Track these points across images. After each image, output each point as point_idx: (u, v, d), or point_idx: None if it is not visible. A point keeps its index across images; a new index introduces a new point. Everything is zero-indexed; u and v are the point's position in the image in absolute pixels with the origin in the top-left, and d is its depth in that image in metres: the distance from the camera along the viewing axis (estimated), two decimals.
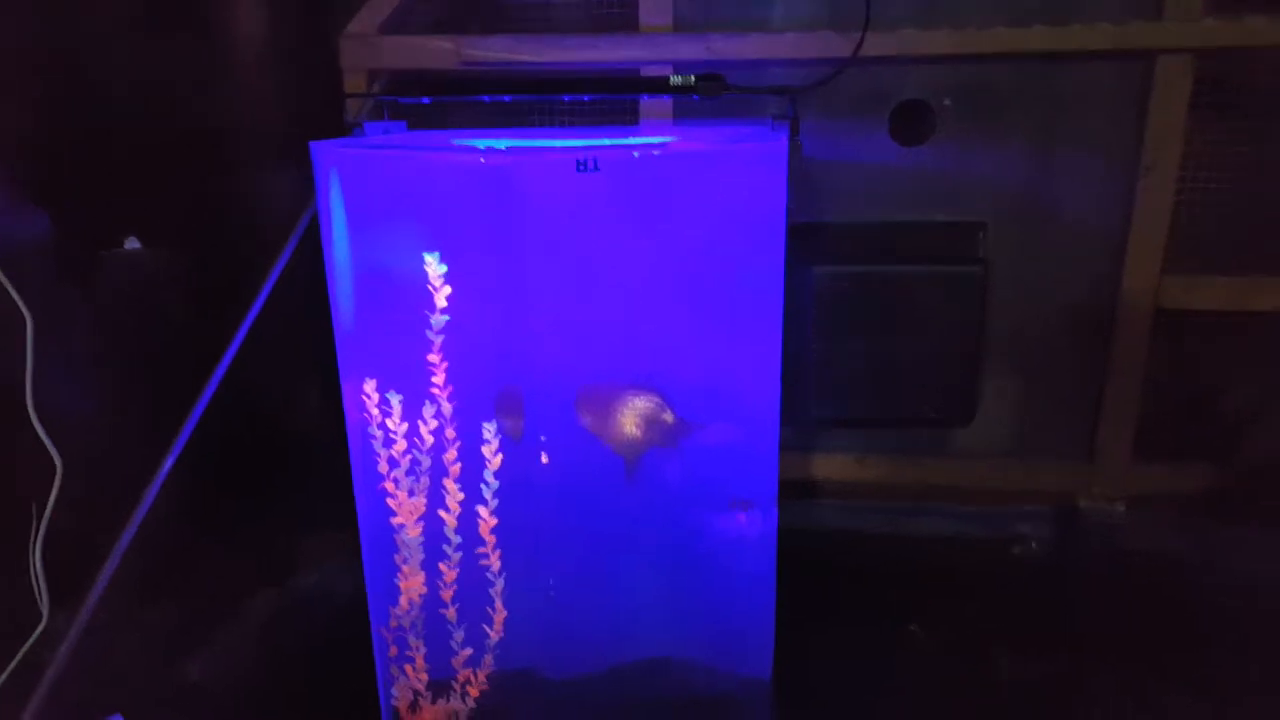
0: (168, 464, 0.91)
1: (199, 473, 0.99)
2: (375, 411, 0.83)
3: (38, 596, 0.91)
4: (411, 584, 0.85)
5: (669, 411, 0.84)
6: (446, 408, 0.79)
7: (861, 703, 0.98)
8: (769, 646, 0.93)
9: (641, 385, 0.84)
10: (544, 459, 0.80)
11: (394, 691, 0.89)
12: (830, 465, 1.26)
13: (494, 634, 0.83)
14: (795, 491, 1.28)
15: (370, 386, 0.83)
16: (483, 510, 0.80)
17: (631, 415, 0.83)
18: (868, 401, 1.12)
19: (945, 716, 0.96)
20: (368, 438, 0.84)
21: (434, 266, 0.77)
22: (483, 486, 0.80)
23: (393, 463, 0.83)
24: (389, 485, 0.84)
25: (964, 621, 1.10)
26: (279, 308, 1.05)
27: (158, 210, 1.07)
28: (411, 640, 0.87)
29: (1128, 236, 1.12)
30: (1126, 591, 1.13)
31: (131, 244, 1.16)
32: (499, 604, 0.82)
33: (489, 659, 0.84)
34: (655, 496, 0.86)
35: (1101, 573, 1.18)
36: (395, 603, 0.87)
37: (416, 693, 0.88)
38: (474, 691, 0.85)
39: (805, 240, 1.09)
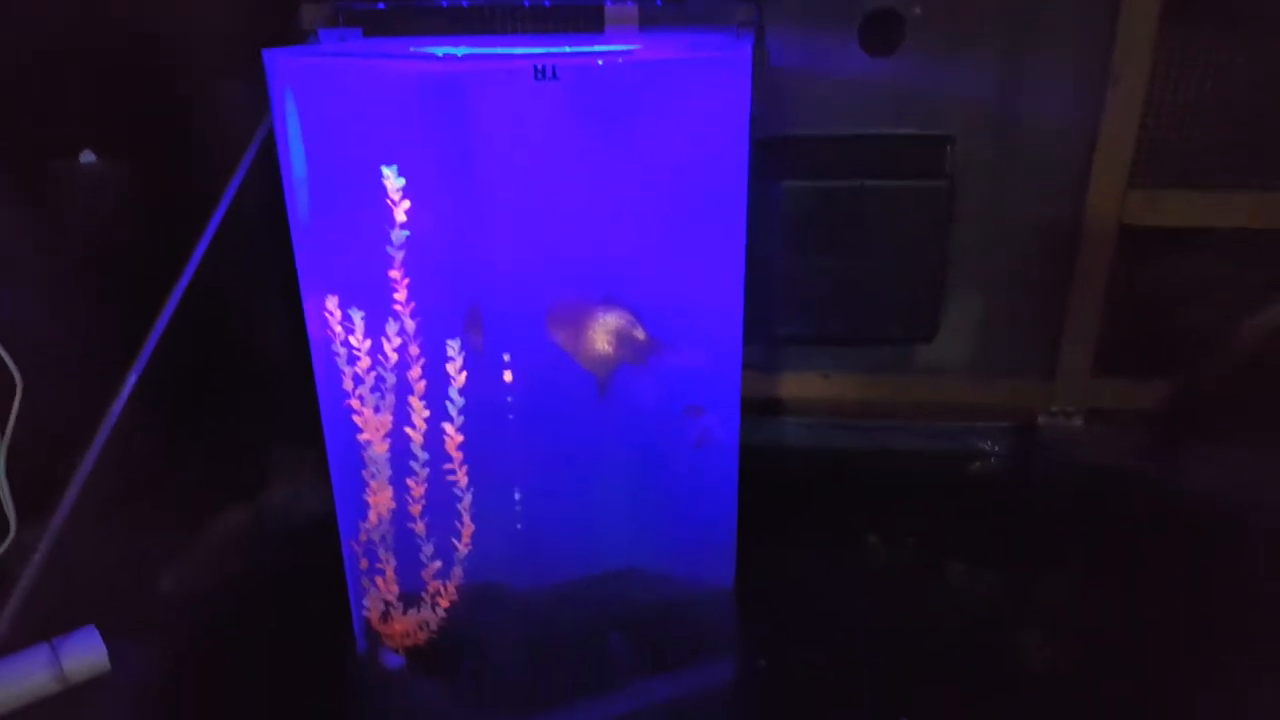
0: (132, 377, 0.90)
1: (167, 387, 0.99)
2: (338, 329, 0.82)
3: (6, 510, 0.91)
4: (380, 499, 0.86)
5: (640, 329, 0.84)
6: (409, 324, 0.79)
7: (820, 610, 1.02)
8: (731, 556, 0.95)
9: (612, 301, 0.84)
10: (507, 377, 0.80)
11: (365, 603, 0.91)
12: (796, 383, 1.28)
13: (462, 547, 0.85)
14: (761, 409, 1.29)
15: (332, 303, 0.82)
16: (448, 427, 0.81)
17: (603, 332, 0.83)
18: (833, 319, 1.13)
19: (898, 622, 1.00)
20: (331, 355, 0.83)
21: (392, 180, 0.75)
22: (448, 404, 0.80)
23: (357, 380, 0.83)
24: (354, 402, 0.84)
25: (922, 534, 1.13)
26: (242, 219, 1.03)
27: (110, 123, 1.04)
28: (381, 554, 0.88)
29: (1094, 150, 1.12)
30: (1083, 505, 1.17)
31: (86, 157, 1.12)
32: (467, 519, 0.83)
33: (458, 571, 0.86)
34: (620, 413, 0.88)
35: (1059, 487, 1.22)
36: (364, 517, 0.88)
37: (388, 604, 0.90)
38: (444, 603, 0.87)
39: (772, 154, 1.08)
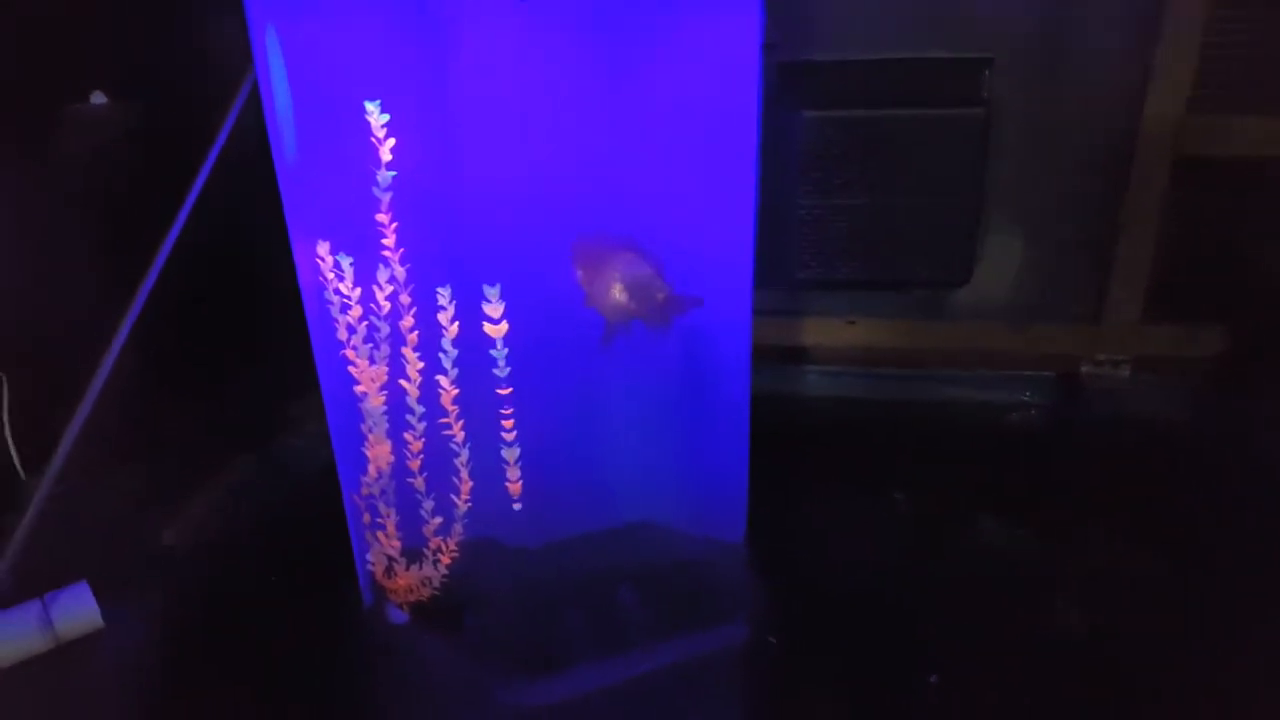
0: (126, 326, 0.87)
1: (169, 335, 0.97)
2: (330, 275, 0.78)
3: (14, 460, 0.90)
4: (378, 452, 0.83)
5: (663, 287, 0.78)
6: (399, 271, 0.75)
7: (839, 569, 0.97)
8: (742, 510, 0.91)
9: (636, 248, 0.79)
10: (496, 331, 0.76)
11: (369, 558, 0.89)
12: (818, 329, 1.22)
13: (461, 504, 0.82)
14: (781, 356, 1.24)
15: (323, 249, 0.78)
16: (443, 380, 0.77)
17: (624, 282, 0.78)
18: (856, 261, 1.06)
19: (924, 582, 0.95)
20: (324, 303, 0.79)
21: (375, 116, 0.70)
22: (441, 356, 0.76)
23: (350, 329, 0.79)
24: (349, 353, 0.80)
25: (952, 491, 1.07)
26: (242, 159, 0.99)
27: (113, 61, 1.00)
28: (382, 508, 0.85)
29: (1149, 74, 1.02)
30: (1127, 462, 1.10)
31: (98, 99, 1.10)
32: (465, 474, 0.80)
33: (458, 528, 0.83)
34: (626, 362, 0.83)
35: (1102, 441, 1.15)
36: (364, 471, 0.85)
37: (391, 559, 0.88)
38: (445, 560, 0.85)
39: (792, 81, 1.00)
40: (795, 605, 0.92)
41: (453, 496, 0.81)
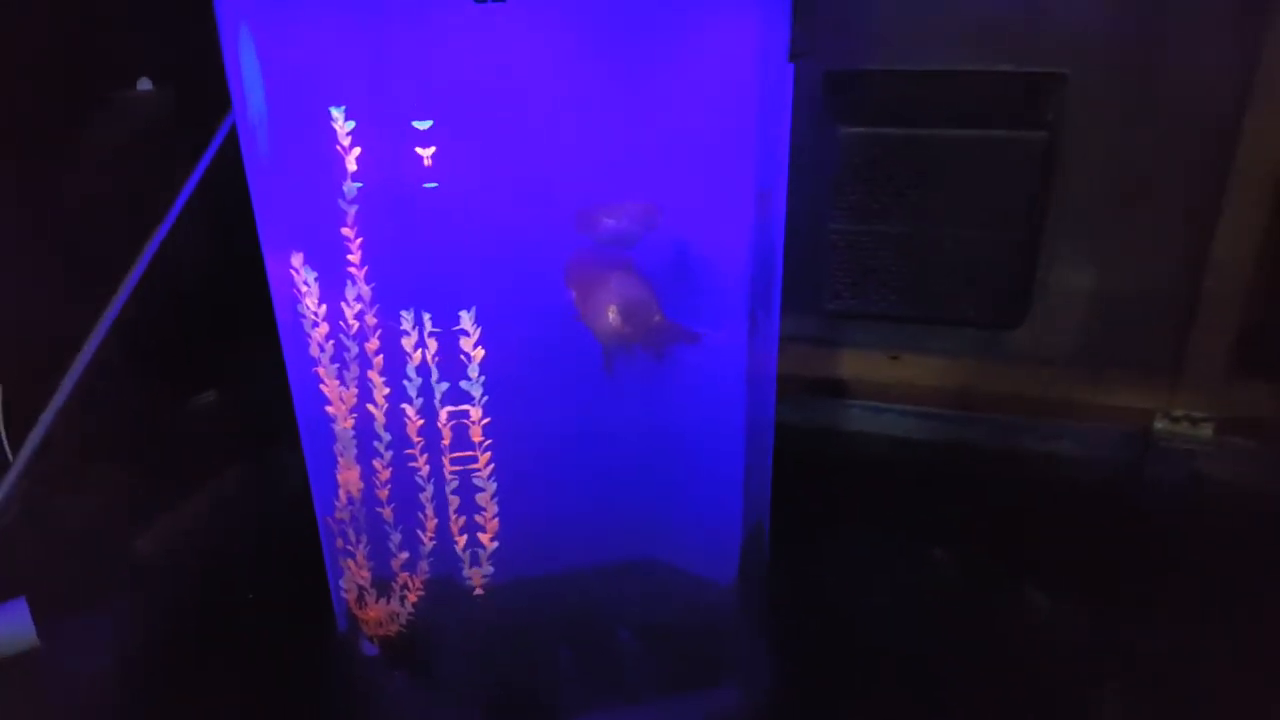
0: (106, 322, 0.85)
1: (157, 332, 0.95)
2: (303, 288, 0.74)
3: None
4: (348, 477, 0.78)
5: (658, 310, 0.73)
6: (365, 290, 0.69)
7: (852, 630, 0.88)
8: (733, 550, 0.83)
9: (633, 269, 0.73)
10: (477, 354, 0.70)
11: (342, 584, 0.85)
12: (858, 362, 1.12)
13: (427, 540, 0.76)
14: (816, 389, 1.14)
15: (297, 260, 0.73)
16: (408, 409, 0.71)
17: (618, 303, 0.72)
18: (895, 294, 0.96)
19: (952, 655, 0.85)
20: (297, 317, 0.75)
21: (341, 123, 0.65)
22: (405, 383, 0.70)
23: (320, 347, 0.74)
24: (320, 371, 0.75)
25: (997, 551, 0.96)
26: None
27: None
28: (352, 535, 0.81)
29: (1247, 95, 0.89)
30: (1204, 534, 0.96)
31: (143, 84, 1.09)
32: (429, 510, 0.74)
33: (424, 565, 0.77)
34: (614, 392, 0.76)
35: (1175, 509, 1.01)
36: (336, 496, 0.80)
37: (362, 588, 0.83)
38: (411, 597, 0.79)
39: (834, 93, 0.91)
40: (790, 662, 0.84)
41: (419, 532, 0.76)
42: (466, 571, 0.76)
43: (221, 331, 1.07)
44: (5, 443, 0.89)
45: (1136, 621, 0.88)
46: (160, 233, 0.85)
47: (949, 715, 0.79)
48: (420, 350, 0.69)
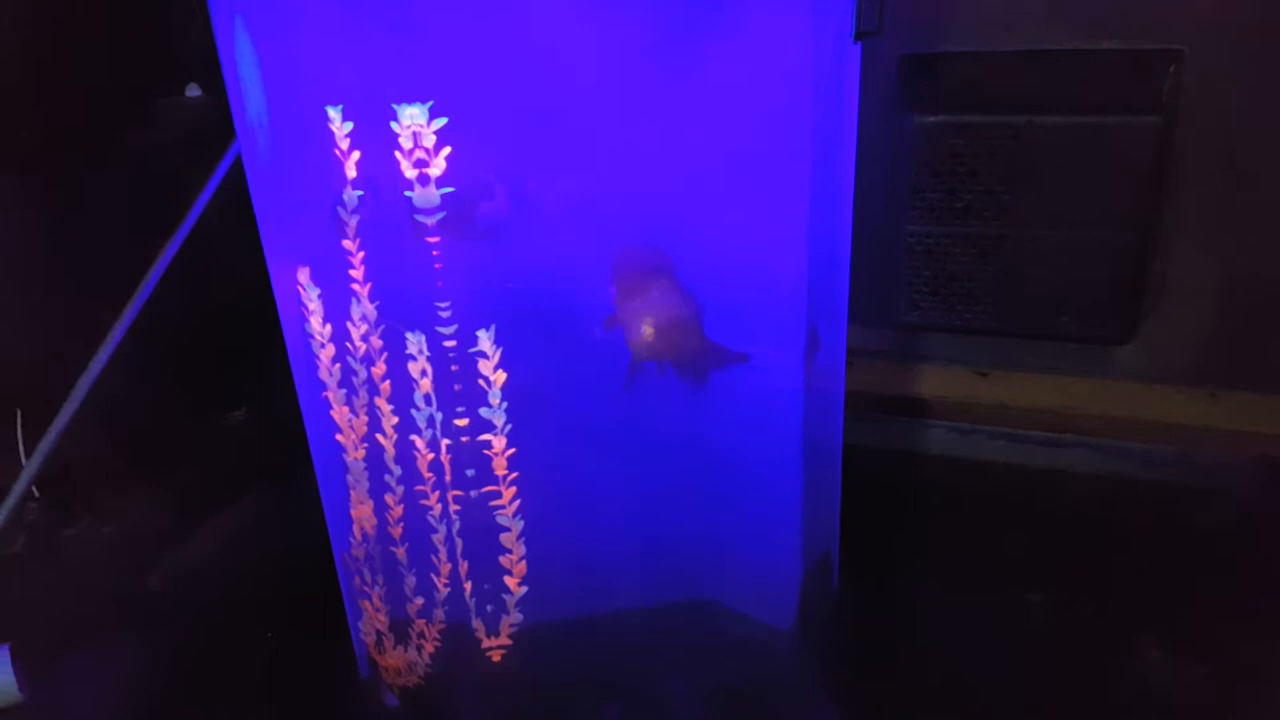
0: (117, 336, 0.80)
1: (175, 348, 0.90)
2: (309, 306, 0.67)
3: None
4: (361, 512, 0.71)
5: (699, 332, 0.64)
6: (369, 309, 0.62)
7: (931, 682, 0.77)
8: (794, 594, 0.73)
9: (679, 283, 0.64)
10: (499, 378, 0.62)
11: (361, 626, 0.78)
12: (943, 379, 1.00)
13: (442, 586, 0.68)
14: (896, 408, 1.03)
15: (304, 276, 0.66)
16: (418, 440, 0.64)
17: (660, 317, 0.64)
18: (981, 305, 0.84)
19: None
20: (306, 337, 0.68)
21: (338, 124, 0.58)
22: (414, 412, 0.63)
23: (330, 371, 0.68)
24: (329, 396, 0.69)
25: (1105, 597, 0.84)
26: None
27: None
28: (367, 575, 0.74)
29: None
30: None
31: (192, 91, 1.07)
32: (443, 554, 0.67)
33: (439, 614, 0.69)
34: (653, 414, 0.67)
35: None
36: (351, 532, 0.74)
37: (380, 632, 0.76)
38: (429, 646, 0.72)
39: (911, 77, 0.80)
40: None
41: (433, 576, 0.68)
42: (485, 622, 0.68)
43: (253, 345, 1.02)
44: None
45: (1260, 681, 0.75)
46: (179, 236, 0.80)
47: None
48: (428, 377, 0.61)
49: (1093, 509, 0.97)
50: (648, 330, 0.64)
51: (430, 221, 0.58)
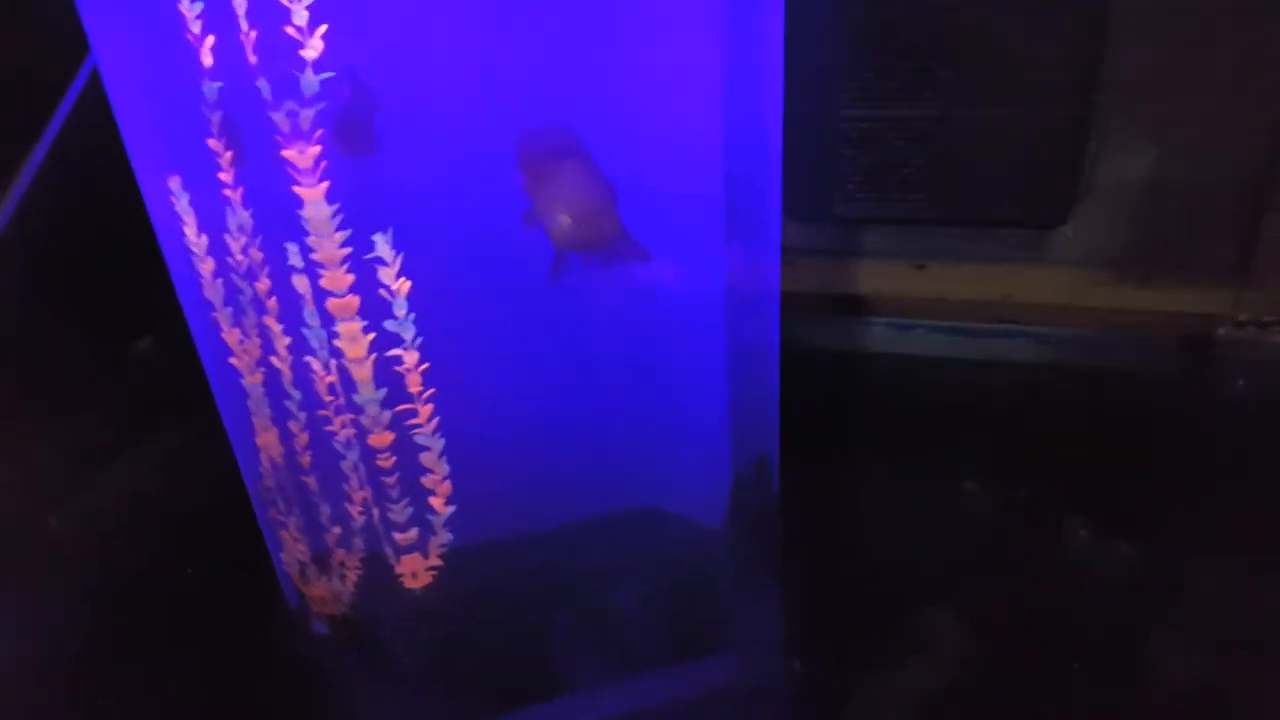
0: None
1: (73, 269, 0.83)
2: (185, 218, 0.60)
3: None
4: (266, 440, 0.67)
5: (615, 219, 0.60)
6: (244, 216, 0.56)
7: (872, 574, 0.77)
8: (724, 489, 0.71)
9: (593, 161, 0.59)
10: (402, 286, 0.57)
11: (283, 558, 0.74)
12: (881, 274, 0.97)
13: (356, 514, 0.64)
14: (836, 305, 1.00)
15: (176, 184, 0.60)
16: (313, 362, 0.59)
17: (571, 206, 0.59)
18: (919, 193, 0.81)
19: (976, 607, 0.74)
20: (186, 252, 0.62)
21: (187, 4, 0.51)
22: (305, 331, 0.58)
23: (213, 288, 0.62)
24: (217, 317, 0.63)
25: (1039, 483, 0.84)
26: None
27: None
28: (282, 505, 0.70)
29: None
30: (1271, 455, 0.83)
31: None
32: (354, 480, 0.63)
33: (358, 543, 0.66)
34: (574, 317, 0.63)
35: (1241, 425, 0.88)
36: (259, 462, 0.69)
37: (302, 564, 0.72)
38: (351, 575, 0.68)
39: None
40: (800, 617, 0.74)
41: (346, 505, 0.64)
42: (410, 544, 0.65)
43: (151, 268, 0.94)
44: None
45: (1196, 555, 0.77)
46: (42, 144, 0.72)
47: (982, 674, 0.69)
48: (312, 291, 0.55)
49: (1029, 397, 0.97)
50: (564, 218, 0.59)
51: (308, 114, 0.52)
